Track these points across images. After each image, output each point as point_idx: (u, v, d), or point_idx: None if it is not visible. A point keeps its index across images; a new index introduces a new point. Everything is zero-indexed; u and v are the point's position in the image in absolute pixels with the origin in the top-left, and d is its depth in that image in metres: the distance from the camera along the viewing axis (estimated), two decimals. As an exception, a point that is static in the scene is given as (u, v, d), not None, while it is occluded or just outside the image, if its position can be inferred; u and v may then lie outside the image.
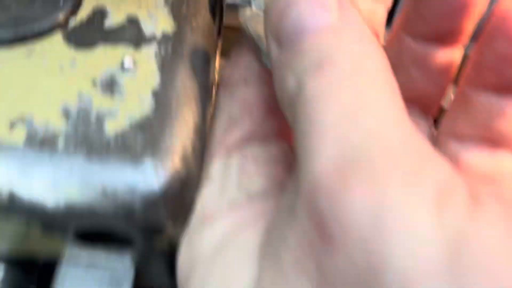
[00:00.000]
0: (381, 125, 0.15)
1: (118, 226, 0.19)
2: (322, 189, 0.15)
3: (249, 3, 0.24)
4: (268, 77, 0.23)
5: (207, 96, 0.23)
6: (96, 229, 0.19)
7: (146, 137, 0.19)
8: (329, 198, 0.14)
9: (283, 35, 0.18)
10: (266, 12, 0.19)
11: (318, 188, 0.15)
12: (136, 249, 0.21)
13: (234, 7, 0.25)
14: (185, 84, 0.22)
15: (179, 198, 0.20)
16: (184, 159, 0.20)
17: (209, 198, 0.21)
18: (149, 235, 0.20)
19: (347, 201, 0.14)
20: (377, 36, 0.24)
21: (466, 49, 0.24)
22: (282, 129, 0.23)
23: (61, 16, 0.22)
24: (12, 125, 0.19)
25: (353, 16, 0.18)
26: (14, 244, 0.21)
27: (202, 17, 0.25)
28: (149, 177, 0.19)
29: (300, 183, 0.16)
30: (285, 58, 0.18)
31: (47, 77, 0.21)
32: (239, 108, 0.23)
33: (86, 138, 0.19)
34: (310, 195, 0.15)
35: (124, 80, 0.21)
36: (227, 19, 0.29)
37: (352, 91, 0.16)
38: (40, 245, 0.21)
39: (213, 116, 0.24)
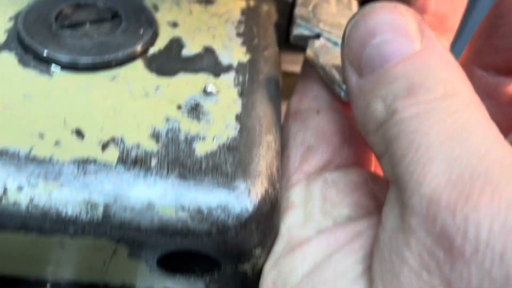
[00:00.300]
0: (488, 144, 0.16)
1: (208, 247, 0.19)
2: (442, 206, 0.15)
3: (318, 36, 0.25)
4: (340, 106, 0.24)
5: (280, 121, 0.24)
6: (184, 250, 0.19)
7: (235, 158, 0.19)
8: (452, 214, 0.14)
9: (365, 62, 0.19)
10: (346, 40, 0.20)
11: (437, 205, 0.15)
12: (217, 273, 0.20)
13: (302, 40, 0.26)
14: (265, 110, 0.22)
15: (269, 218, 0.19)
16: (271, 180, 0.20)
17: (294, 225, 0.20)
18: (237, 256, 0.19)
19: (475, 217, 0.14)
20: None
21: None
22: (359, 156, 0.23)
23: (141, 45, 0.23)
24: (104, 146, 0.19)
25: (436, 43, 0.18)
26: (87, 268, 0.20)
27: (272, 49, 0.25)
28: (242, 197, 0.19)
29: (408, 203, 0.16)
30: (368, 84, 0.18)
31: (133, 101, 0.21)
32: (315, 136, 0.23)
33: (178, 158, 0.19)
34: (429, 212, 0.15)
35: (208, 105, 0.21)
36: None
37: (450, 111, 0.16)
38: (116, 268, 0.20)
39: (283, 145, 0.24)
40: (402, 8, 0.19)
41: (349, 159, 0.23)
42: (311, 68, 0.25)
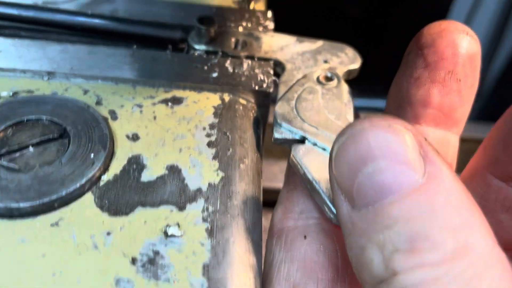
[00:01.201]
0: None
1: None
2: None
3: (303, 141, 0.22)
4: (331, 227, 0.20)
5: (260, 255, 0.20)
6: None
7: (200, 333, 0.16)
8: None
9: (357, 193, 0.15)
10: (335, 162, 0.16)
11: None
12: None
13: (285, 142, 0.22)
14: (240, 251, 0.18)
15: None
16: None
17: None
18: None
19: None
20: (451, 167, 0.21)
21: None
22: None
23: (90, 176, 0.19)
24: (38, 331, 0.16)
25: (443, 171, 0.14)
26: None
27: (250, 158, 0.21)
28: None
29: None
30: (362, 221, 0.15)
31: (77, 257, 0.17)
32: (301, 270, 0.19)
33: None
34: None
35: (169, 254, 0.18)
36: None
37: (463, 281, 0.13)
38: None
39: (266, 275, 0.20)
40: (398, 126, 0.15)
41: (346, 300, 0.19)
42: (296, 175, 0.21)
